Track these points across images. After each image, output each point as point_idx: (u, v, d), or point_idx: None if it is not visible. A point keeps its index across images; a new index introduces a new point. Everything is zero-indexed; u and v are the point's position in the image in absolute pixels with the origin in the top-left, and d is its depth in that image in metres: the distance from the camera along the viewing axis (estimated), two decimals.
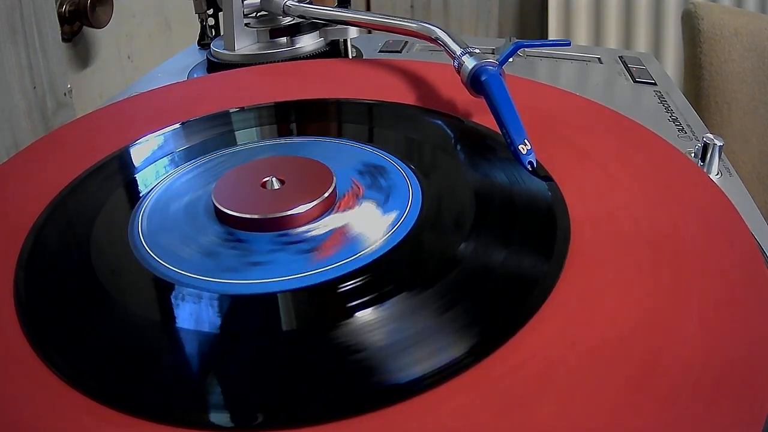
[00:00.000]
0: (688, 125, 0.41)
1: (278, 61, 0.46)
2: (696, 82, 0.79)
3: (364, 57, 0.53)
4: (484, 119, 0.32)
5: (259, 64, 0.46)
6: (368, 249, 0.24)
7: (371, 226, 0.25)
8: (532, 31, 1.34)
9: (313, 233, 0.25)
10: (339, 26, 0.47)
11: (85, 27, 0.62)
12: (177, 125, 0.35)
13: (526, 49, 0.54)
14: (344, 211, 0.27)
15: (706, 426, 0.17)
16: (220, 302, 0.22)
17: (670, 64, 1.21)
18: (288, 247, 0.25)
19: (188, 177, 0.30)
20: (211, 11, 0.58)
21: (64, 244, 0.27)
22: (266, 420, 0.18)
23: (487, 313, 0.21)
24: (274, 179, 0.27)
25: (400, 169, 0.29)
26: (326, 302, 0.22)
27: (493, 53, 0.54)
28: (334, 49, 0.50)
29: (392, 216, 0.26)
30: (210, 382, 0.19)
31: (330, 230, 0.25)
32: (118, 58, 0.70)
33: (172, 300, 0.23)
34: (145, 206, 0.28)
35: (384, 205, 0.27)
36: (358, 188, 0.28)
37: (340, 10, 0.45)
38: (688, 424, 0.17)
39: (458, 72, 0.34)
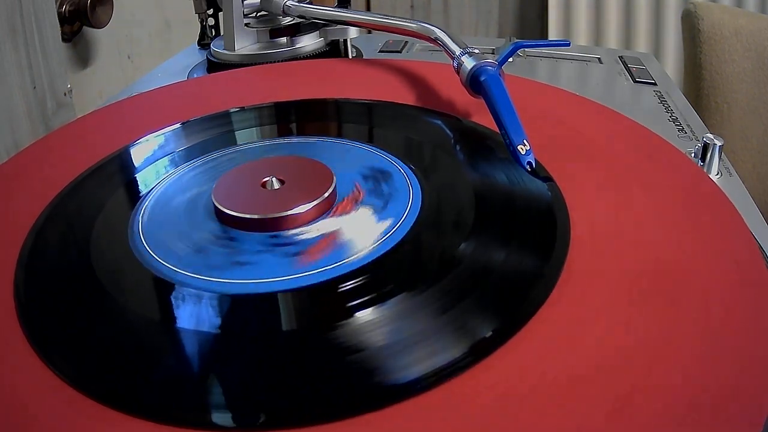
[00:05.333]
0: (688, 125, 0.41)
1: (278, 61, 0.46)
2: (696, 82, 0.79)
3: (364, 57, 0.53)
4: (484, 119, 0.32)
5: (259, 64, 0.46)
6: (368, 249, 0.24)
7: (371, 225, 0.25)
8: (532, 31, 1.34)
9: (314, 233, 0.25)
10: (339, 26, 0.47)
11: (85, 27, 0.62)
12: (177, 125, 0.35)
13: (526, 49, 0.54)
14: (345, 210, 0.27)
15: (706, 426, 0.17)
16: (221, 302, 0.22)
17: (670, 64, 1.21)
18: (288, 247, 0.25)
19: (188, 177, 0.30)
20: (211, 11, 0.58)
21: (64, 244, 0.27)
22: (265, 420, 0.18)
23: (486, 314, 0.21)
24: (274, 179, 0.27)
25: (400, 168, 0.29)
26: (326, 302, 0.22)
27: (493, 53, 0.54)
28: (334, 49, 0.50)
29: (392, 215, 0.26)
30: (210, 382, 0.19)
31: (330, 230, 0.25)
32: (118, 58, 0.70)
33: (172, 300, 0.23)
34: (145, 206, 0.28)
35: (384, 204, 0.27)
36: (359, 188, 0.28)
37: (340, 10, 0.45)
38: (688, 427, 0.17)
39: (457, 72, 0.34)
